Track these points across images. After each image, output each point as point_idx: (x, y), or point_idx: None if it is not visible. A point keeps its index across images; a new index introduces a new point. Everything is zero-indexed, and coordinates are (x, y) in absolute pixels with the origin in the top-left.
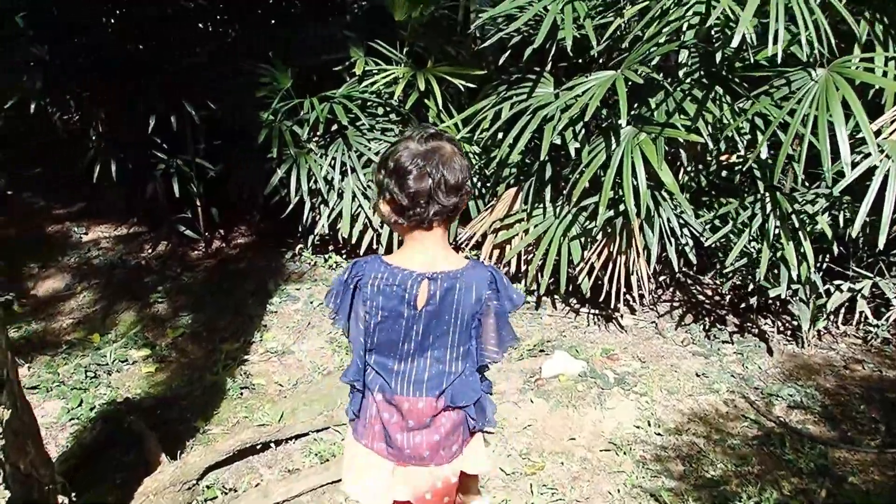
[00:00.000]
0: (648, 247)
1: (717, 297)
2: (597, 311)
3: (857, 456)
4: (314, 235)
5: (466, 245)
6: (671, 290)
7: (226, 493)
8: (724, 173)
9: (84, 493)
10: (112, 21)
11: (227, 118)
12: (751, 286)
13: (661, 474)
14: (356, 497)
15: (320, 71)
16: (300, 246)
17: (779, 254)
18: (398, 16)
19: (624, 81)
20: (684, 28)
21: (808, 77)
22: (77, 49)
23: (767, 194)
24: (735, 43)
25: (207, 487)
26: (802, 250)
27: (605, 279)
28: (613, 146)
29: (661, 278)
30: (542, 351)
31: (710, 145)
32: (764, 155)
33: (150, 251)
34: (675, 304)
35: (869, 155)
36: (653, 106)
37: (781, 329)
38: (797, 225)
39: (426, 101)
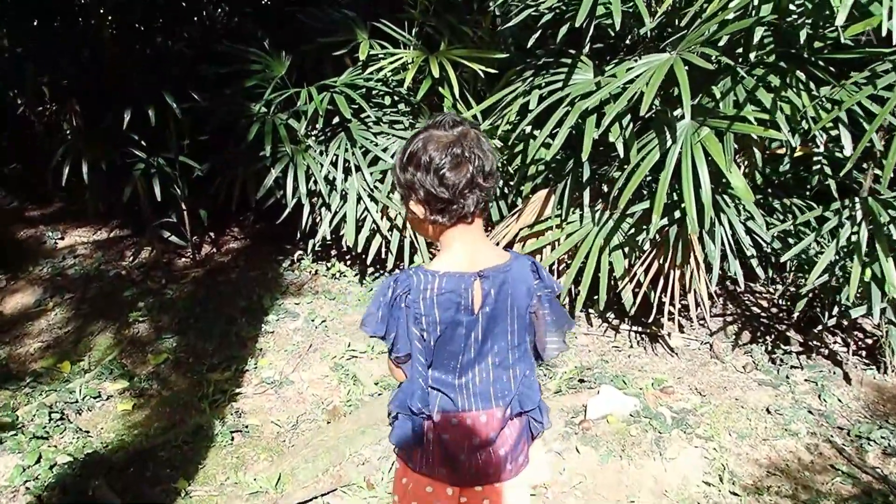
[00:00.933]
0: (710, 260)
1: (774, 309)
2: (640, 329)
3: None
4: (315, 241)
5: None
6: (722, 300)
7: None
8: (794, 173)
9: None
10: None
11: (214, 111)
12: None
13: None
14: None
15: (318, 56)
16: (299, 252)
17: (867, 270)
18: None
19: (683, 65)
20: (755, 2)
21: None
22: (46, 33)
23: (857, 200)
24: (841, 20)
25: None
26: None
27: (655, 295)
28: (669, 143)
29: (712, 288)
30: (582, 381)
31: (792, 142)
32: (848, 151)
33: (131, 259)
34: (729, 319)
35: None
36: (717, 95)
37: (854, 349)
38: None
39: (440, 89)
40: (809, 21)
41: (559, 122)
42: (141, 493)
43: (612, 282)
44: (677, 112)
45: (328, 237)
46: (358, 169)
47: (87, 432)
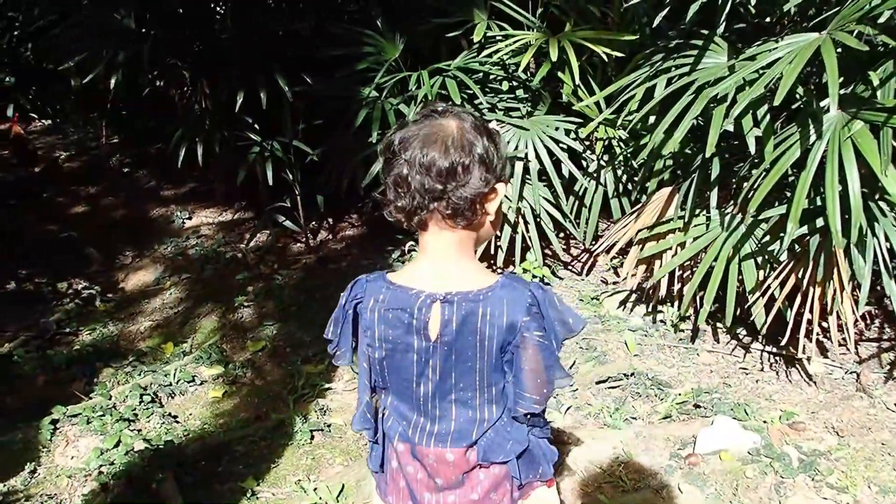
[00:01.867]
0: (858, 279)
1: None
2: (774, 350)
3: None
4: None
5: (606, 255)
6: (878, 322)
7: None
8: None
9: None
10: None
11: (327, 94)
12: None
13: None
14: None
15: (434, 38)
16: (411, 243)
17: None
18: None
19: (833, 47)
20: None
21: None
22: (173, 16)
23: None
24: None
25: None
26: None
27: (790, 312)
28: (812, 138)
29: (861, 310)
30: (697, 407)
31: None
32: None
33: (249, 242)
34: (885, 345)
35: None
36: (875, 83)
37: None
38: None
39: (560, 74)
40: None
41: (683, 110)
42: (209, 491)
43: (742, 294)
44: (824, 103)
45: None
46: None
47: (175, 418)
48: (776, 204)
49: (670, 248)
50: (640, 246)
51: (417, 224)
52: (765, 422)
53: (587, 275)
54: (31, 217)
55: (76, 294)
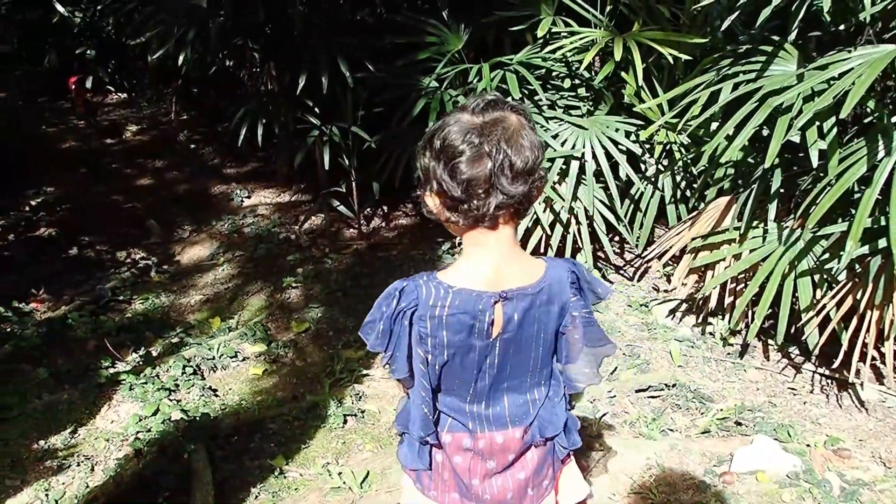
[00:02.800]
0: None
1: None
2: (826, 373)
3: None
4: None
5: (658, 261)
6: None
7: None
8: None
9: None
10: None
11: (387, 82)
12: None
13: None
14: None
15: (498, 31)
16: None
17: None
18: None
19: None
20: None
21: None
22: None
23: None
24: None
25: None
26: None
27: (846, 335)
28: (881, 154)
29: None
30: (739, 424)
31: None
32: None
33: (303, 224)
34: None
35: None
36: None
37: None
38: None
39: (623, 74)
40: None
41: (745, 118)
42: (239, 466)
43: (796, 312)
44: None
45: None
46: None
47: (214, 391)
48: (838, 220)
49: (724, 259)
50: (693, 255)
51: (489, 224)
52: (808, 445)
53: (638, 280)
54: (99, 187)
55: (133, 264)
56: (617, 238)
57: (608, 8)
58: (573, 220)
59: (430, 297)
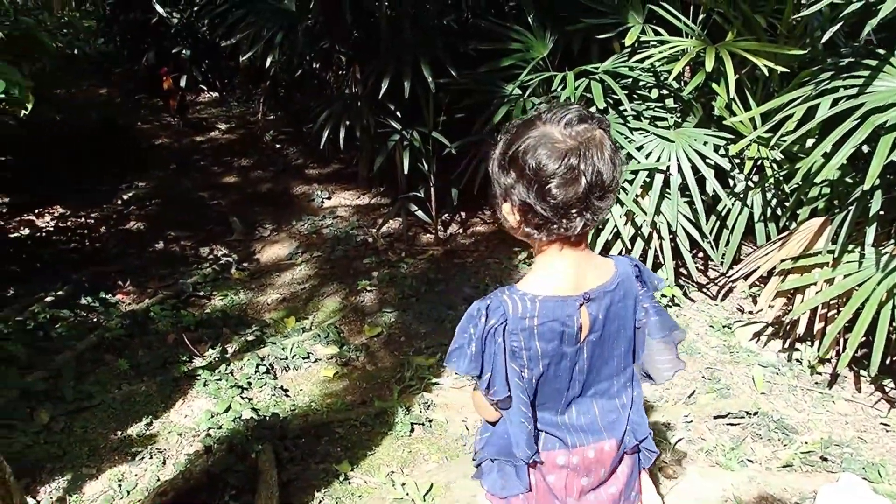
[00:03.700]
0: None
1: None
2: None
3: None
4: None
5: (744, 282)
6: None
7: None
8: None
9: None
10: None
11: (470, 89)
12: None
13: None
14: None
15: (584, 38)
16: None
17: None
18: None
19: None
20: None
21: None
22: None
23: None
24: None
25: None
26: None
27: None
28: None
29: None
30: (824, 460)
31: None
32: None
33: (380, 228)
34: None
35: None
36: None
37: None
38: None
39: (714, 85)
40: None
41: (845, 135)
42: (305, 468)
43: (892, 342)
44: None
45: None
46: None
47: (286, 391)
48: None
49: (815, 283)
50: (782, 277)
51: (577, 239)
52: None
53: (722, 300)
54: (186, 183)
55: (215, 260)
56: (700, 255)
57: (700, 17)
58: (655, 235)
59: (518, 310)
